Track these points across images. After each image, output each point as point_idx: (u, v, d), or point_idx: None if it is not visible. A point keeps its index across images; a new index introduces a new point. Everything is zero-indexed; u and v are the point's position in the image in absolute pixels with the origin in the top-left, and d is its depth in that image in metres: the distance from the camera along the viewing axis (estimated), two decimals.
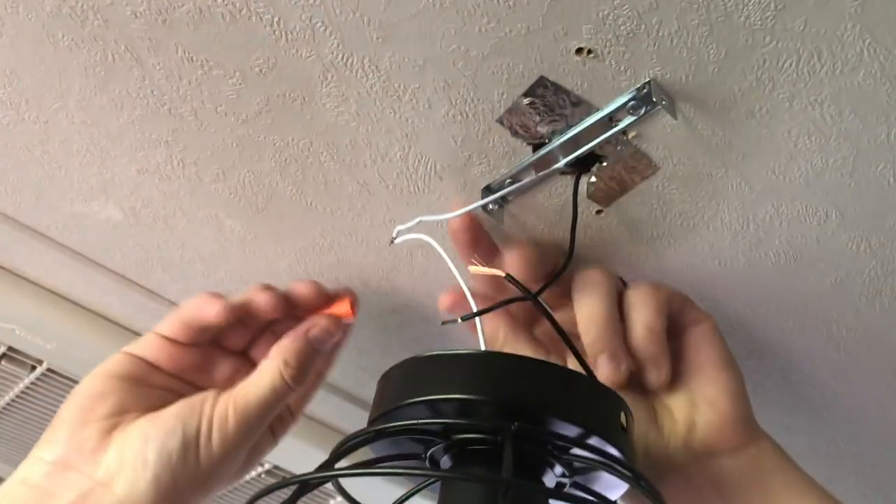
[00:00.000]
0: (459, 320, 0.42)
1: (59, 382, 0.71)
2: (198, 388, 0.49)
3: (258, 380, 0.45)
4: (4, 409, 0.74)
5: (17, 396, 0.73)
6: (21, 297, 0.63)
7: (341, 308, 0.48)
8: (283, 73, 0.42)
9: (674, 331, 0.48)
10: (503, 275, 0.42)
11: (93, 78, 0.44)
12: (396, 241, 0.46)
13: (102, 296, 0.63)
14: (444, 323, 0.44)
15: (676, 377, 0.47)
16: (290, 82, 0.43)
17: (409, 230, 0.46)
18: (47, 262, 0.60)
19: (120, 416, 0.44)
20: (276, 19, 0.39)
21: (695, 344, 0.48)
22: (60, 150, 0.50)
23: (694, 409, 0.46)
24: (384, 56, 0.41)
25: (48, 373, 0.70)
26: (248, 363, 0.51)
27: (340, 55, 0.41)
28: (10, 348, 0.67)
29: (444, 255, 0.44)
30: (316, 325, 0.47)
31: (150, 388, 0.46)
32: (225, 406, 0.44)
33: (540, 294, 0.43)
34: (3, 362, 0.68)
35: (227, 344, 0.51)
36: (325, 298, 0.51)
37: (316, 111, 0.44)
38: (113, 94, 0.45)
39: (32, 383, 0.71)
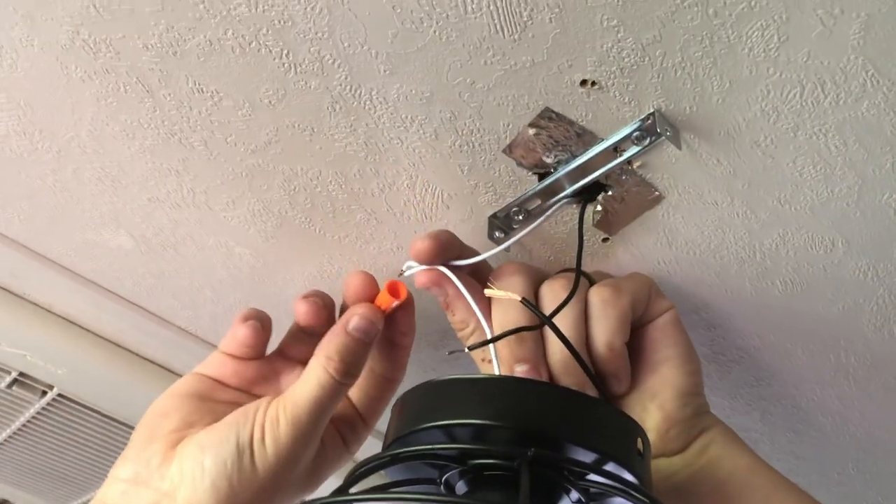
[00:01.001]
0: (466, 349, 0.43)
1: (69, 408, 0.71)
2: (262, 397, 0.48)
3: (304, 379, 0.44)
4: (15, 434, 0.75)
5: (28, 422, 0.73)
6: (33, 323, 0.63)
7: (383, 297, 0.46)
8: (292, 104, 0.43)
9: (636, 326, 0.47)
10: (519, 298, 0.42)
11: (105, 108, 0.45)
12: (405, 273, 0.46)
13: (113, 322, 0.64)
14: (451, 353, 0.44)
15: (632, 377, 0.47)
16: (298, 113, 0.43)
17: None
18: (59, 289, 0.61)
19: (185, 430, 0.44)
20: (285, 52, 0.40)
21: (653, 339, 0.47)
22: (73, 178, 0.50)
23: (644, 412, 0.46)
24: (391, 88, 0.41)
25: (58, 398, 0.70)
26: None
27: (349, 87, 0.41)
28: (22, 373, 0.68)
29: (459, 284, 0.44)
30: (354, 314, 0.45)
31: (217, 404, 0.46)
32: (276, 409, 0.43)
33: (552, 318, 0.43)
34: (14, 387, 0.69)
35: (291, 354, 0.50)
36: (375, 288, 0.48)
37: (324, 141, 0.45)
38: (124, 125, 0.46)
39: (43, 409, 0.71)
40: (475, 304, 0.44)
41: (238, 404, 0.46)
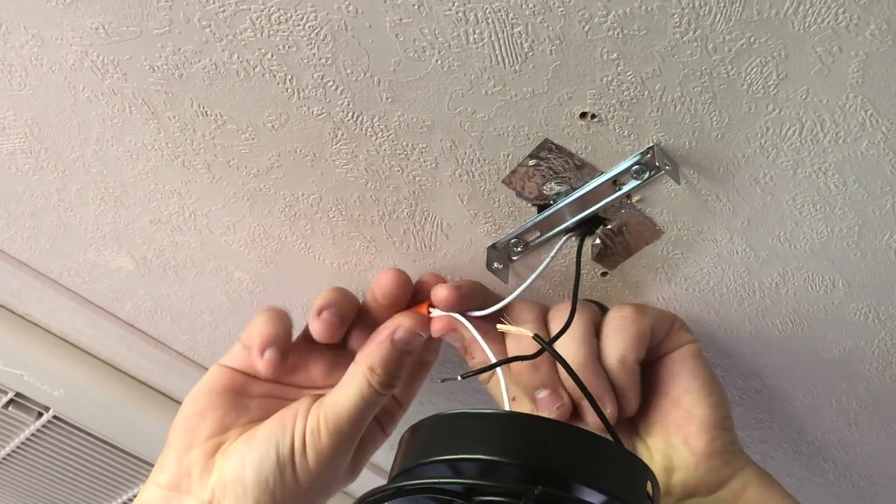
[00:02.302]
0: (459, 378, 0.42)
1: (64, 431, 0.71)
2: (298, 388, 0.49)
3: (346, 389, 0.44)
4: (9, 456, 0.74)
5: (22, 443, 0.72)
6: (31, 343, 0.63)
7: (424, 304, 0.47)
8: (295, 129, 0.43)
9: (655, 356, 0.46)
10: (531, 335, 0.42)
11: (110, 129, 0.45)
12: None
13: (111, 344, 0.64)
14: (443, 381, 0.44)
15: (653, 411, 0.46)
16: (301, 139, 0.44)
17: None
18: (58, 309, 0.61)
19: (222, 434, 0.45)
20: (289, 77, 0.41)
21: (673, 372, 0.46)
22: (76, 198, 0.51)
23: (671, 449, 0.45)
24: (393, 116, 0.42)
25: (54, 420, 0.70)
26: (347, 355, 0.49)
27: (351, 114, 0.42)
28: (18, 394, 0.67)
29: (473, 330, 0.45)
30: (400, 326, 0.45)
31: (250, 399, 0.47)
32: (315, 419, 0.44)
33: (553, 344, 0.43)
34: (10, 408, 0.69)
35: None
36: (410, 289, 0.48)
37: (326, 167, 0.45)
38: (129, 146, 0.46)
39: (38, 430, 0.71)
40: (486, 345, 0.44)
41: (270, 397, 0.46)
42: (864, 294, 0.47)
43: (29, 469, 0.76)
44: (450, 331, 0.46)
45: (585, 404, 0.44)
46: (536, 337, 0.42)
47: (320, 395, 0.46)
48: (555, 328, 0.45)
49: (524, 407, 0.46)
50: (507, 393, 0.44)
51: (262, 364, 0.45)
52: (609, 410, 0.44)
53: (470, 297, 0.45)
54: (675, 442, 0.45)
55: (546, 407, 0.44)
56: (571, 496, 0.34)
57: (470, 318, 0.46)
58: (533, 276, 0.45)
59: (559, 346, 0.44)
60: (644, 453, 0.45)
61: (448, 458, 0.35)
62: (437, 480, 0.35)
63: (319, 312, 0.46)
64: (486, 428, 0.35)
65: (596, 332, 0.46)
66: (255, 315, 0.48)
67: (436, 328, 0.46)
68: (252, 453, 0.43)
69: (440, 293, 0.45)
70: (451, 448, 0.35)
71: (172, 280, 0.56)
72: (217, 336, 0.60)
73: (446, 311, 0.46)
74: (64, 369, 0.64)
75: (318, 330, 0.46)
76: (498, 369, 0.44)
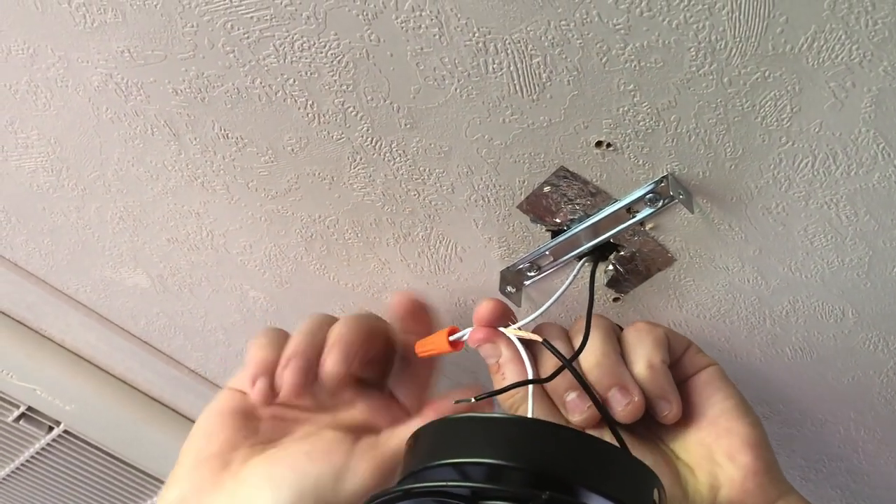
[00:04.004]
0: (473, 400, 0.43)
1: (73, 445, 0.71)
2: (307, 410, 0.48)
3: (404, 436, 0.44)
4: (18, 469, 0.75)
5: (32, 457, 0.73)
6: (45, 358, 0.64)
7: (441, 340, 0.46)
8: (314, 153, 0.44)
9: (678, 379, 0.46)
10: (540, 340, 0.42)
11: (131, 149, 0.46)
12: (462, 337, 0.47)
13: (125, 360, 0.64)
14: (457, 402, 0.44)
15: (692, 433, 0.45)
16: (320, 162, 0.44)
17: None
18: (73, 325, 0.61)
19: (230, 453, 0.45)
20: (309, 102, 0.41)
21: (702, 393, 0.45)
22: (95, 216, 0.51)
23: (715, 467, 0.43)
24: (411, 141, 0.42)
25: (64, 434, 0.70)
26: (356, 382, 0.48)
27: (370, 139, 0.43)
28: (30, 408, 0.68)
29: (517, 342, 0.44)
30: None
31: (258, 420, 0.47)
32: (370, 461, 0.44)
33: (573, 361, 0.43)
34: (21, 422, 0.69)
35: None
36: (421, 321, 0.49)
37: (343, 190, 0.46)
38: (149, 166, 0.47)
39: (48, 444, 0.71)
40: (528, 358, 0.44)
41: (279, 419, 0.46)
42: (873, 324, 0.47)
43: (38, 483, 0.76)
44: (488, 342, 0.45)
45: (614, 397, 0.43)
46: (546, 343, 0.42)
47: (344, 425, 0.46)
48: (577, 344, 0.45)
49: None
50: (531, 405, 0.44)
51: (253, 395, 0.45)
52: (637, 399, 0.43)
53: (507, 315, 0.45)
54: (718, 458, 0.44)
55: (576, 408, 0.44)
56: (578, 501, 0.34)
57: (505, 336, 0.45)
58: (551, 300, 0.45)
59: (586, 350, 0.44)
60: (687, 475, 0.44)
61: (455, 461, 0.35)
62: (443, 484, 0.35)
63: (287, 363, 0.45)
64: (493, 432, 0.35)
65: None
66: (255, 336, 0.48)
67: (477, 337, 0.45)
68: (282, 488, 0.42)
69: (485, 305, 0.45)
70: (458, 451, 0.35)
71: (187, 298, 0.57)
72: (229, 354, 0.61)
73: (489, 324, 0.45)
74: (76, 384, 0.65)
75: (285, 391, 0.45)
76: (529, 387, 0.44)
